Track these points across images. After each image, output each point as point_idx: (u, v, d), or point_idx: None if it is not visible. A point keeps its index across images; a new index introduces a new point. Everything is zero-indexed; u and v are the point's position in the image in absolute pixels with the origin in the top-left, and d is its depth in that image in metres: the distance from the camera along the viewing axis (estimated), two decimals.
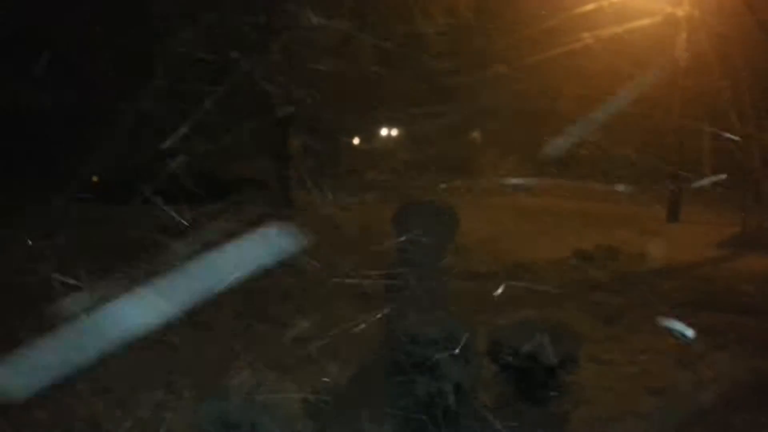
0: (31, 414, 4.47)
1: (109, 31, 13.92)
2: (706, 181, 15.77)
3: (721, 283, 8.60)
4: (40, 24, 13.86)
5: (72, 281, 5.84)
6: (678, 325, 5.40)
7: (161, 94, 15.50)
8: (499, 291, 7.26)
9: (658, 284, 8.45)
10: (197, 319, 6.26)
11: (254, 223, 7.45)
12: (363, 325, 6.16)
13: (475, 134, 28.90)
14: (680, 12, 14.41)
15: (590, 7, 15.26)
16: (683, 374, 5.34)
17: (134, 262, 6.45)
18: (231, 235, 6.80)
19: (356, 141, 29.31)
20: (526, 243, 11.49)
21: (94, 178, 17.16)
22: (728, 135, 14.46)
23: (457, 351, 4.35)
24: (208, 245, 6.85)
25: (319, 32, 16.07)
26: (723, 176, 13.34)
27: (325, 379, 4.89)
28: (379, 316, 5.30)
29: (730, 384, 5.11)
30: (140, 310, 5.29)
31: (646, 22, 14.96)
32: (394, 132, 32.01)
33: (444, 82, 19.03)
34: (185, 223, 7.61)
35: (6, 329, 5.51)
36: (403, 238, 5.02)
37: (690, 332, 5.41)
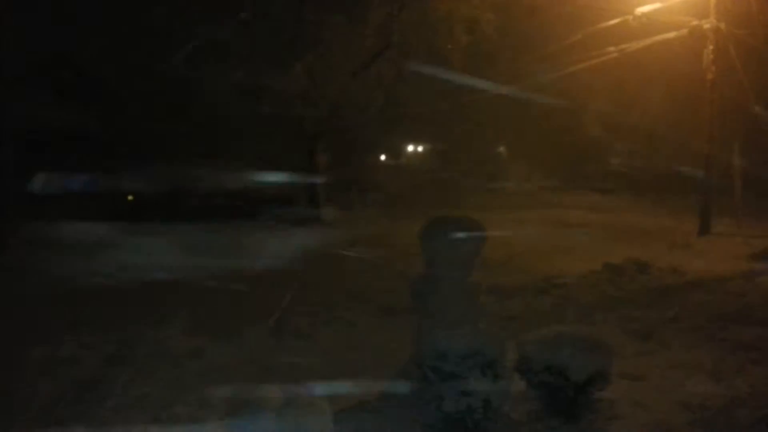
0: None
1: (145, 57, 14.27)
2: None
3: (754, 296, 8.46)
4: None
5: None
6: None
7: (193, 113, 15.86)
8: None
9: (690, 298, 8.35)
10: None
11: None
12: (390, 340, 6.23)
13: (502, 149, 28.92)
14: (706, 25, 14.29)
15: (615, 21, 15.25)
16: (717, 389, 5.27)
17: None
18: None
19: (383, 157, 29.52)
20: (556, 257, 11.44)
21: (130, 197, 17.60)
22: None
23: (486, 366, 4.36)
24: None
25: (345, 52, 16.35)
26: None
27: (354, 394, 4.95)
28: (405, 331, 5.35)
29: (766, 399, 5.02)
30: None
31: (672, 35, 14.88)
32: (420, 148, 32.14)
33: (468, 98, 19.12)
34: None
35: None
36: (429, 253, 5.06)
37: None
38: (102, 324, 6.57)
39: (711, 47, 14.45)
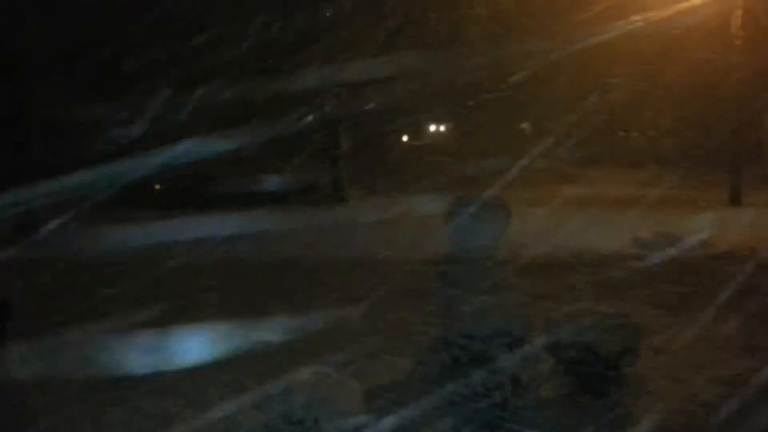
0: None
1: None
2: None
3: None
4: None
5: None
6: None
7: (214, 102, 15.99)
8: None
9: (720, 270, 8.22)
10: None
11: None
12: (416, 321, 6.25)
13: (525, 125, 28.60)
14: None
15: None
16: (748, 362, 5.20)
17: None
18: None
19: (405, 138, 29.39)
20: (584, 233, 11.31)
21: (157, 186, 17.82)
22: None
23: (514, 345, 4.36)
24: None
25: (363, 34, 16.27)
26: None
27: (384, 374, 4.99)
28: (433, 311, 5.36)
29: None
30: None
31: (698, 1, 14.50)
32: (442, 128, 31.95)
33: (487, 76, 18.89)
34: None
35: None
36: (455, 232, 5.04)
37: None
38: None
39: (740, 12, 14.08)
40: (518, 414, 4.34)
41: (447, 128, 31.07)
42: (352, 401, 3.87)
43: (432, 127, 31.43)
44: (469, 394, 4.34)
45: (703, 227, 11.26)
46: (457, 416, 4.23)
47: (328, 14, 15.65)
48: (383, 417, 4.10)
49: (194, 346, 5.95)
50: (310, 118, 17.58)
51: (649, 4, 15.18)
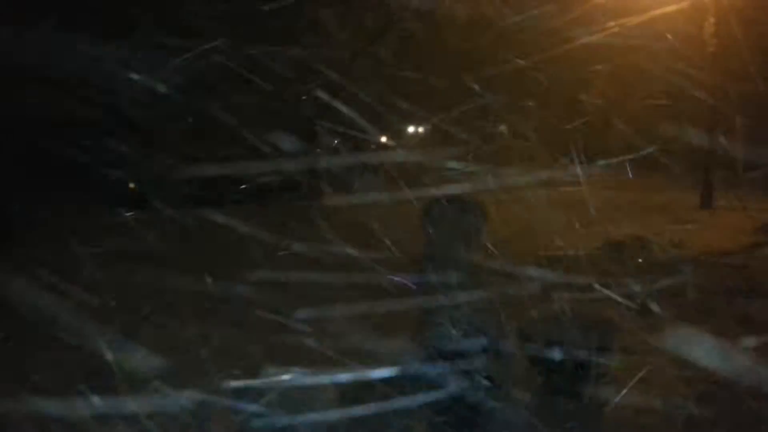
0: None
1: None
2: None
3: (756, 270, 8.47)
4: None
5: None
6: None
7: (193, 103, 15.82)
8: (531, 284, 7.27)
9: (691, 273, 8.35)
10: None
11: None
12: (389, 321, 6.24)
13: (503, 128, 28.78)
14: None
15: None
16: (720, 363, 5.27)
17: None
18: None
19: (383, 139, 29.38)
20: (557, 235, 11.42)
21: (131, 185, 17.57)
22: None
23: (488, 345, 4.37)
24: None
25: (344, 33, 16.25)
26: None
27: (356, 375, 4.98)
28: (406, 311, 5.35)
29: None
30: None
31: (672, 8, 14.74)
32: (421, 129, 31.99)
33: (466, 77, 18.98)
34: None
35: None
36: (431, 233, 5.05)
37: None
38: None
39: (712, 19, 14.33)
40: (492, 415, 4.36)
41: (426, 130, 31.15)
42: (324, 402, 3.86)
43: (411, 128, 31.48)
44: (442, 396, 4.34)
45: (671, 229, 11.45)
46: (430, 418, 4.23)
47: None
48: (354, 418, 4.10)
49: None
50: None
51: (626, 11, 15.39)
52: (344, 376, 4.82)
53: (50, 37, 13.37)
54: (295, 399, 3.76)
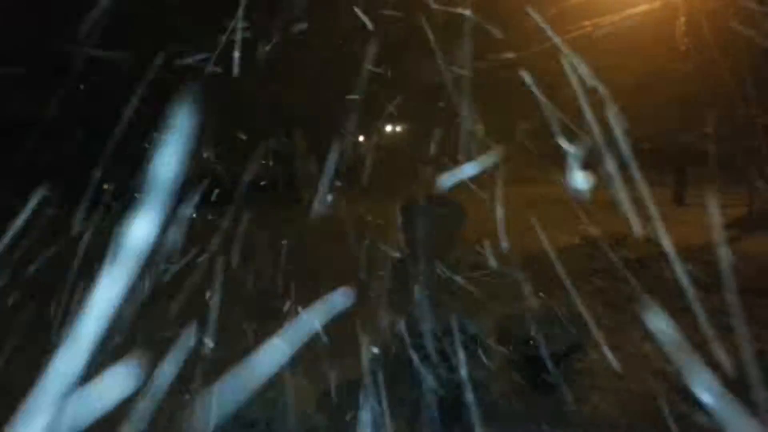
0: None
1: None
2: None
3: (729, 264, 8.61)
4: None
5: None
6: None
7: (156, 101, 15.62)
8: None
9: (665, 268, 8.46)
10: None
11: None
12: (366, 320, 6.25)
13: (479, 127, 28.90)
14: None
15: None
16: (693, 357, 5.36)
17: None
18: None
19: (361, 138, 29.35)
20: (533, 232, 11.51)
21: (105, 186, 17.34)
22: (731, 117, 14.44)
23: (465, 342, 4.41)
24: None
25: (320, 31, 16.19)
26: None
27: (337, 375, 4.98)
28: (384, 310, 5.37)
29: (740, 365, 5.13)
30: None
31: (644, 8, 14.92)
32: (399, 128, 32.04)
33: (444, 76, 19.05)
34: None
35: None
36: (408, 232, 5.08)
37: None
38: None
39: (683, 19, 14.54)
40: (469, 411, 4.39)
41: (402, 129, 31.22)
42: (305, 402, 3.86)
43: (389, 128, 31.53)
44: (422, 392, 4.37)
45: (647, 226, 11.57)
46: (410, 415, 4.26)
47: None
48: (336, 417, 4.10)
49: None
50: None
51: (598, 11, 15.55)
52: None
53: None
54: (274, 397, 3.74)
